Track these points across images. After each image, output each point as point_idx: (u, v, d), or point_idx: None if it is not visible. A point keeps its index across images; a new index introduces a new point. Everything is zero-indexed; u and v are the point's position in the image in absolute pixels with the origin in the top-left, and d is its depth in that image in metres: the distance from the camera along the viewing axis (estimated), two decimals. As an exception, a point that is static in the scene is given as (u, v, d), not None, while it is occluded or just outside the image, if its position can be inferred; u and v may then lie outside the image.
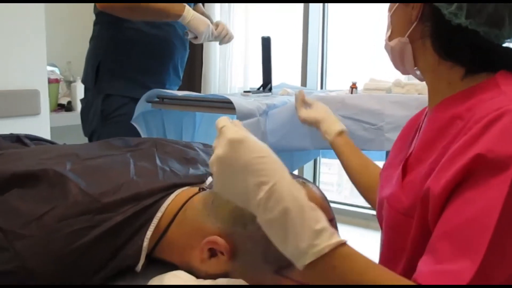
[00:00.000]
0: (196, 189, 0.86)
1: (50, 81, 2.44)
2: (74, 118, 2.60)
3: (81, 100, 1.92)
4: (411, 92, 1.65)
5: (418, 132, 0.84)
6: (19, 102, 1.95)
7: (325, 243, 0.55)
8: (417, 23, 0.75)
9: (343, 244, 0.56)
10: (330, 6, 3.00)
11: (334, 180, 3.57)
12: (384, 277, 0.57)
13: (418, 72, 0.82)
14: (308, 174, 3.09)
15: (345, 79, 2.36)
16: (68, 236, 0.71)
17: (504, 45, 0.74)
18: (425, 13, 0.74)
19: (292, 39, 2.98)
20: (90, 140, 1.89)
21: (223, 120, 0.61)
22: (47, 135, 2.06)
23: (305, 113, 1.33)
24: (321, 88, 3.00)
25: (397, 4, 0.79)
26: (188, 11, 1.72)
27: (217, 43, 1.95)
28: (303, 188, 0.74)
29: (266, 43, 1.92)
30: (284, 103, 1.70)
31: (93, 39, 1.87)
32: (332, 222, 0.74)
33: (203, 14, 2.00)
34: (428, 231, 0.64)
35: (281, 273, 0.71)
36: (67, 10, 2.97)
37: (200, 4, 2.09)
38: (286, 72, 2.96)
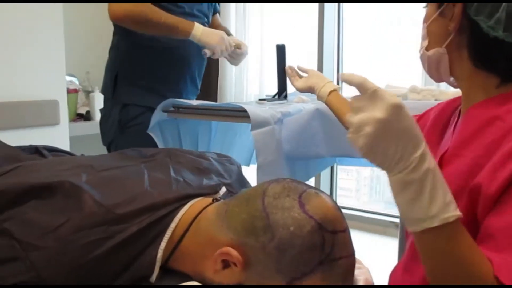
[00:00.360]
0: (210, 199, 0.86)
1: (69, 91, 2.48)
2: (92, 127, 2.63)
3: (101, 110, 1.94)
4: (427, 98, 1.63)
5: (449, 130, 0.87)
6: (39, 113, 1.99)
7: (453, 212, 0.61)
8: (454, 34, 0.79)
9: (460, 218, 0.62)
10: (346, 11, 2.99)
11: (352, 186, 3.55)
12: (484, 258, 0.63)
13: (451, 79, 0.86)
14: (325, 180, 3.07)
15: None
16: (83, 247, 0.72)
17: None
18: (463, 25, 0.78)
19: (307, 45, 2.98)
20: (108, 149, 1.92)
21: (369, 82, 0.62)
22: (66, 145, 2.09)
23: (299, 83, 1.39)
24: (338, 94, 2.98)
25: (434, 15, 0.83)
26: (197, 28, 1.71)
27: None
28: (316, 198, 0.74)
29: (280, 51, 1.92)
30: (299, 110, 1.70)
31: (112, 49, 1.89)
32: (346, 232, 0.73)
33: (218, 26, 2.00)
34: (474, 224, 0.70)
35: (294, 284, 0.71)
36: (86, 20, 3.01)
37: (218, 16, 2.09)
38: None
